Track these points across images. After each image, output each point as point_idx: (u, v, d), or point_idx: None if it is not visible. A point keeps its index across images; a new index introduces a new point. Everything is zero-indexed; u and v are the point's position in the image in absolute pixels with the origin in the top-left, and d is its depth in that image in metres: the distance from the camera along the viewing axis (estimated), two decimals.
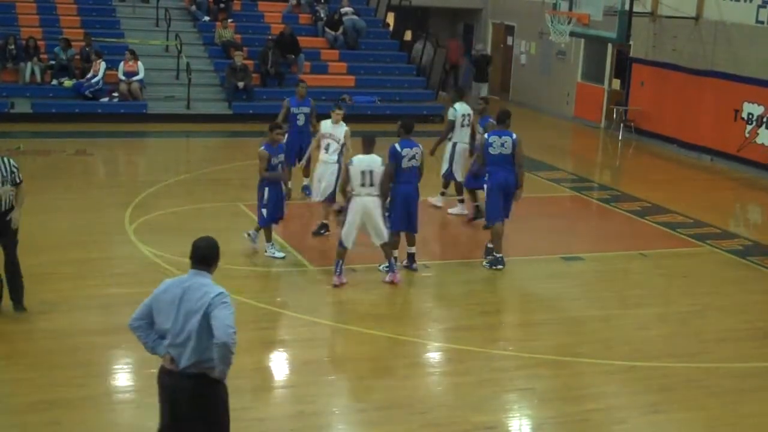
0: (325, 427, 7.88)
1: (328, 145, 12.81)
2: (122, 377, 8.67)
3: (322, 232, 12.78)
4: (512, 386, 8.71)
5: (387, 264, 11.31)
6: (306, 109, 14.37)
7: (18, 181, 9.55)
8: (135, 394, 8.26)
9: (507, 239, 13.06)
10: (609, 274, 12.31)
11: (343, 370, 8.88)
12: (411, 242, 11.49)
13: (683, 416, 8.20)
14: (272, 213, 11.66)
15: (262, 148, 11.49)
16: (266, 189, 11.54)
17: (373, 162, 10.85)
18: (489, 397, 8.39)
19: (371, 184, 10.80)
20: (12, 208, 9.44)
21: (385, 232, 10.94)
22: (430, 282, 11.48)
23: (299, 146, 14.15)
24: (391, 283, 11.03)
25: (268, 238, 11.81)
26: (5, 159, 9.59)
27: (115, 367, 8.84)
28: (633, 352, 9.46)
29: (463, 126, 13.86)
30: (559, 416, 8.07)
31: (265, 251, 11.82)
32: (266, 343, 9.53)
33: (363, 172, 10.77)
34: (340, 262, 10.92)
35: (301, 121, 14.29)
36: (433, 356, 9.48)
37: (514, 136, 11.77)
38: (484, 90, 25.83)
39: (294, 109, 14.24)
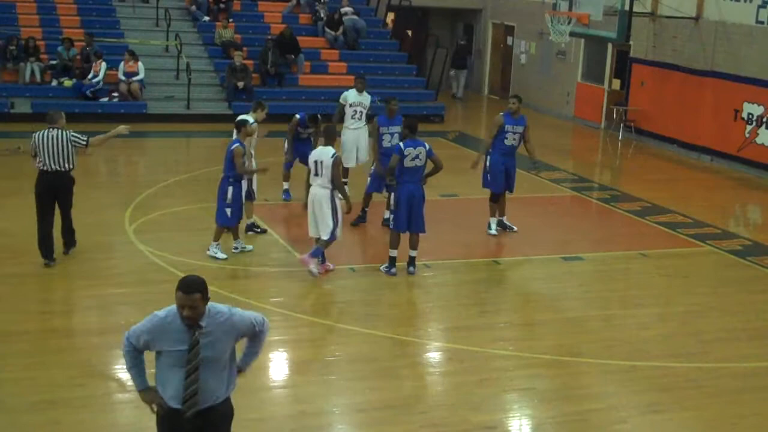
0: (325, 427, 7.88)
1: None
2: (122, 377, 8.65)
3: (257, 230, 12.78)
4: (512, 386, 8.70)
5: (386, 264, 11.37)
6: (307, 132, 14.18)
7: (84, 143, 11.08)
8: (135, 394, 8.22)
9: (508, 239, 13.07)
10: (609, 274, 12.31)
11: (343, 370, 8.88)
12: (413, 245, 11.48)
13: (683, 416, 8.20)
14: (236, 213, 11.56)
15: (238, 144, 11.35)
16: (230, 188, 11.41)
17: (322, 153, 10.97)
18: (489, 397, 8.39)
19: (320, 175, 10.93)
20: (71, 169, 11.04)
21: (328, 229, 10.97)
22: (430, 282, 11.48)
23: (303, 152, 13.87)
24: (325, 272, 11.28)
25: (217, 238, 11.64)
26: (59, 132, 10.93)
27: (115, 367, 8.82)
28: (633, 352, 9.46)
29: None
30: (559, 416, 8.07)
31: (208, 250, 11.69)
32: (266, 343, 9.50)
33: (315, 162, 10.97)
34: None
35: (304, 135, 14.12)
36: (433, 356, 9.48)
37: (525, 121, 13.04)
38: (462, 77, 27.56)
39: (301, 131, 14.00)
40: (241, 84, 21.25)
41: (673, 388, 8.68)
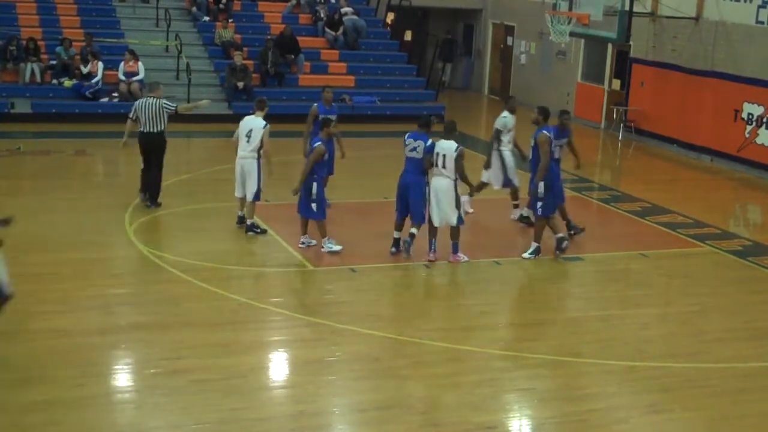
0: (325, 427, 7.88)
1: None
2: (122, 377, 8.67)
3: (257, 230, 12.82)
4: (512, 386, 8.71)
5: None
6: (334, 116, 13.33)
7: (173, 108, 13.70)
8: (135, 394, 8.27)
9: (508, 239, 13.08)
10: (609, 274, 12.31)
11: (343, 370, 8.88)
12: (413, 225, 11.97)
13: (683, 416, 8.20)
14: (321, 208, 11.95)
15: (320, 143, 11.76)
16: (314, 184, 11.79)
17: (445, 147, 11.55)
18: (489, 397, 8.39)
19: (442, 166, 11.52)
20: (163, 130, 13.71)
21: (455, 216, 11.69)
22: (431, 282, 11.48)
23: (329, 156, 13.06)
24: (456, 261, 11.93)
25: (324, 233, 12.01)
26: (155, 100, 13.52)
27: (115, 367, 8.85)
28: (633, 352, 9.46)
29: None
30: (559, 416, 8.07)
31: (322, 247, 12.01)
32: (266, 343, 9.53)
33: (437, 154, 11.53)
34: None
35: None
36: (433, 356, 9.46)
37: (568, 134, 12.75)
38: (448, 68, 28.89)
39: (323, 116, 13.07)
40: (241, 84, 21.24)
41: (673, 388, 8.68)
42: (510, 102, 14.21)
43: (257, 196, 12.61)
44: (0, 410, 7.69)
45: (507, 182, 13.82)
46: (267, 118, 12.71)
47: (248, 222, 12.71)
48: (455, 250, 11.95)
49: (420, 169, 11.72)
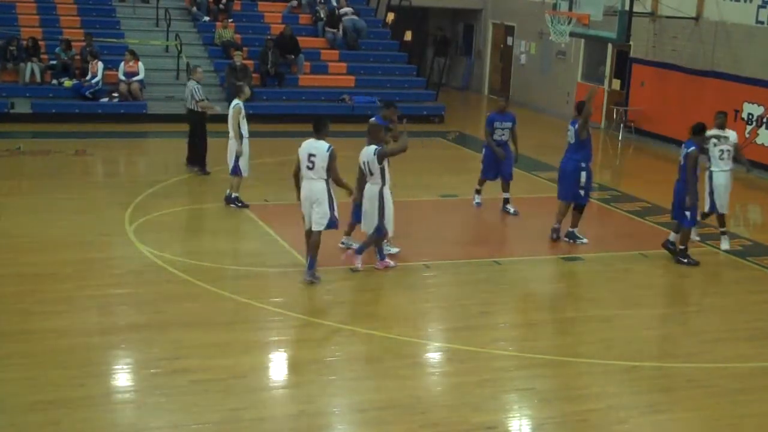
0: (325, 427, 7.88)
1: None
2: (122, 377, 8.67)
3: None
4: (512, 386, 8.71)
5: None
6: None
7: (198, 98, 15.66)
8: (135, 394, 8.26)
9: (507, 239, 13.06)
10: (609, 274, 12.30)
11: (343, 370, 8.88)
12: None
13: (683, 416, 8.20)
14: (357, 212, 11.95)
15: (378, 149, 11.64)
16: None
17: (367, 153, 11.29)
18: (489, 397, 8.39)
19: (371, 173, 11.22)
20: (193, 109, 15.80)
21: (373, 225, 11.31)
22: (430, 282, 11.48)
23: None
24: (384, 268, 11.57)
25: (348, 232, 12.22)
26: (189, 82, 15.88)
27: (115, 367, 8.84)
28: (633, 352, 9.46)
29: None
30: (559, 416, 8.06)
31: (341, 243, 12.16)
32: (266, 343, 9.53)
33: (364, 163, 11.29)
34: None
35: None
36: (433, 356, 9.47)
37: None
38: (438, 64, 28.45)
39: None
40: (241, 84, 21.21)
41: (673, 388, 8.68)
42: (718, 118, 13.55)
43: (232, 171, 13.75)
44: (0, 410, 7.70)
45: (712, 207, 13.30)
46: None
47: (227, 193, 13.90)
48: (381, 257, 11.59)
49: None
